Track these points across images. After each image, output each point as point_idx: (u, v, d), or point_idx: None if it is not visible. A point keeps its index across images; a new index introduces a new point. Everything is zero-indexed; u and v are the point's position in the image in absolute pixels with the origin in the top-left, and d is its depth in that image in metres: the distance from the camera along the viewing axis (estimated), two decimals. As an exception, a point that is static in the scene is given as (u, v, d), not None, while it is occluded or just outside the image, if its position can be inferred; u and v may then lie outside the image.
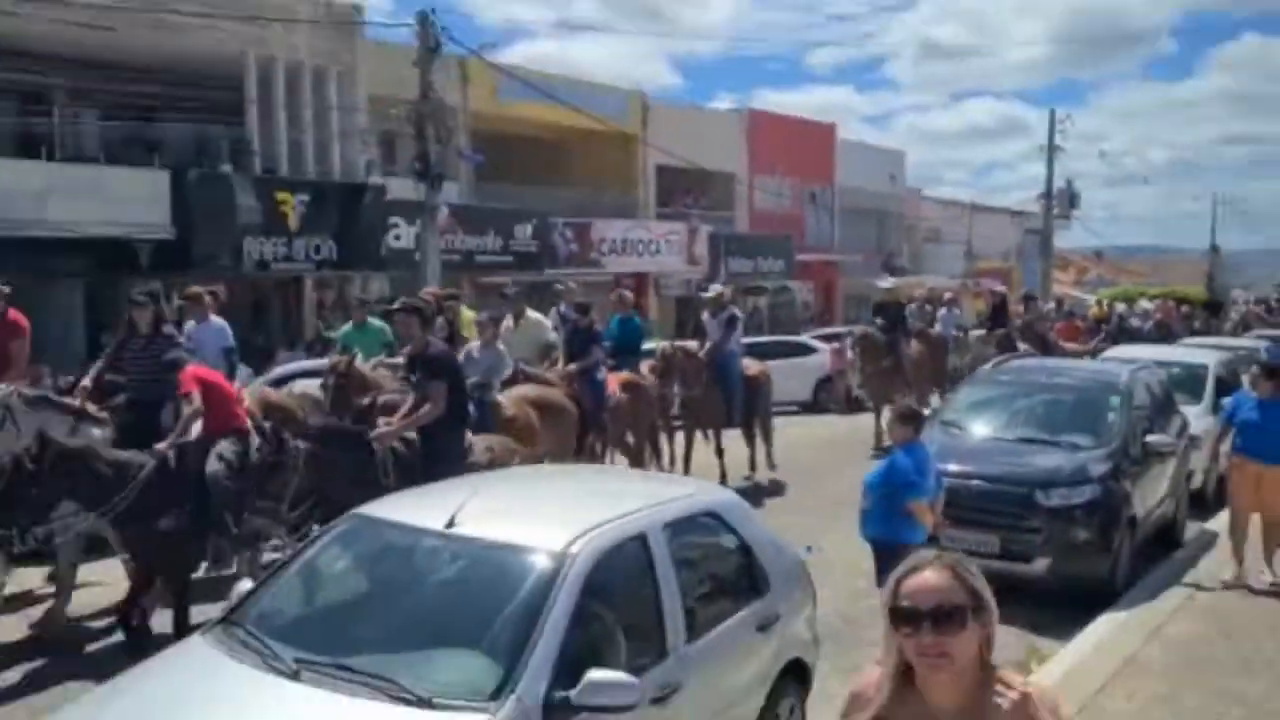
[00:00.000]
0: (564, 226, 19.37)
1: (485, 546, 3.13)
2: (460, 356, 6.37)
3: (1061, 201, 26.05)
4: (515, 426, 6.46)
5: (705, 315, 9.70)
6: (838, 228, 28.79)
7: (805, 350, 15.39)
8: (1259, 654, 4.98)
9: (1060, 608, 5.77)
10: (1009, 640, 5.47)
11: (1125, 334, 15.00)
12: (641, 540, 3.25)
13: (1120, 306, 19.13)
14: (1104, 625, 5.39)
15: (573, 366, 7.64)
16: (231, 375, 7.17)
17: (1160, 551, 6.63)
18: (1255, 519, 6.15)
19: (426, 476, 4.50)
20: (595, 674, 2.70)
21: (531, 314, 8.17)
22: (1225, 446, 6.59)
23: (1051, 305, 17.62)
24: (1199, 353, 10.35)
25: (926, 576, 1.65)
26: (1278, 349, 11.34)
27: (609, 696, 2.68)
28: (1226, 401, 6.98)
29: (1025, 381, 7.51)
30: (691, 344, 9.36)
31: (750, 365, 9.64)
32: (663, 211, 23.21)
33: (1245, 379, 7.13)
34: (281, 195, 14.33)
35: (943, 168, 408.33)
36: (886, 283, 15.31)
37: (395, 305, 6.28)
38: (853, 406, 13.04)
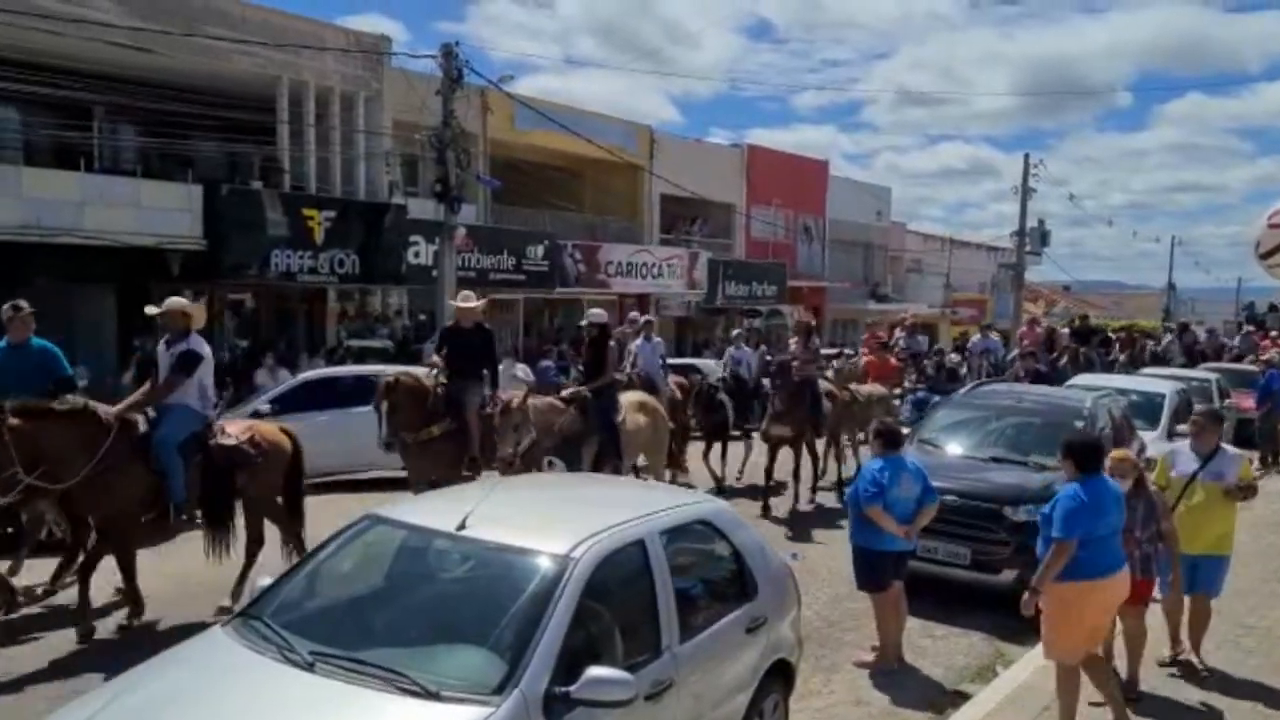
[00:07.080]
0: (573, 248, 19.48)
1: (493, 549, 3.11)
2: None
3: (1033, 239, 26.16)
4: None
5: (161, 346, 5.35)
6: (827, 257, 28.96)
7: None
8: (1204, 658, 4.99)
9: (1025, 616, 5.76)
10: (978, 644, 5.50)
11: (943, 373, 12.15)
12: (640, 545, 3.24)
13: (974, 338, 15.37)
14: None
15: None
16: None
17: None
18: None
19: None
20: (594, 670, 2.69)
21: None
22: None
23: (882, 336, 13.24)
24: (1157, 383, 10.64)
25: None
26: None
27: (606, 692, 2.67)
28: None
29: (996, 405, 7.61)
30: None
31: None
32: (665, 237, 23.38)
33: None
34: (308, 211, 14.37)
35: (918, 204, 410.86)
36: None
37: None
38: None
